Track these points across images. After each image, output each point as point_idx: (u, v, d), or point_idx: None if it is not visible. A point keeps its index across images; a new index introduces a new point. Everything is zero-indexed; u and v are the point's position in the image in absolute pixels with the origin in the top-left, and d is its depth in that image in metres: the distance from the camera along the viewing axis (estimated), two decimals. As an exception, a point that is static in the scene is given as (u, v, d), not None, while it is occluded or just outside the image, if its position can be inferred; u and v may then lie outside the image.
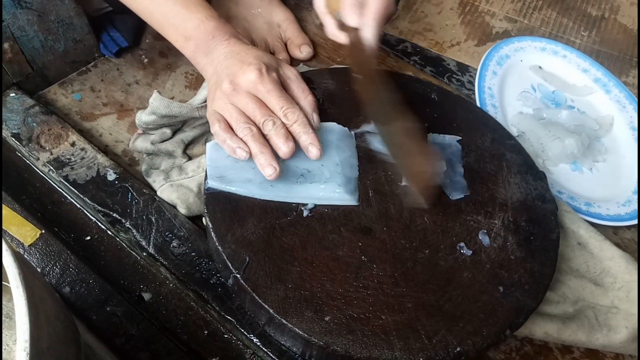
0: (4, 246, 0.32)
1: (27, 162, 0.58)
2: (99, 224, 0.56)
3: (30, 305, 0.30)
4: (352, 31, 0.53)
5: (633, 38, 0.80)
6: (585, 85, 0.71)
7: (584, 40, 0.80)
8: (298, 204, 0.47)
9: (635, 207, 0.60)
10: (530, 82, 0.71)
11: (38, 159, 0.55)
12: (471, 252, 0.47)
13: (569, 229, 0.54)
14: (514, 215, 0.50)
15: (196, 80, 0.68)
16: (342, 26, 0.54)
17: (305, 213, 0.47)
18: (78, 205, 0.57)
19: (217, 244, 0.44)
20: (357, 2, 0.51)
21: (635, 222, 0.59)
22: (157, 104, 0.55)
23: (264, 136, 0.48)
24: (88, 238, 0.54)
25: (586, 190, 0.60)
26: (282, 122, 0.48)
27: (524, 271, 0.46)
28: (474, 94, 0.68)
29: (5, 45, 0.56)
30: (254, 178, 0.47)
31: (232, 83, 0.49)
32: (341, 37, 0.55)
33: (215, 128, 0.48)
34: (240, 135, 0.47)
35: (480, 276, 0.45)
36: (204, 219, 0.51)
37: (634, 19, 0.83)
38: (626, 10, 0.84)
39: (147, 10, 0.54)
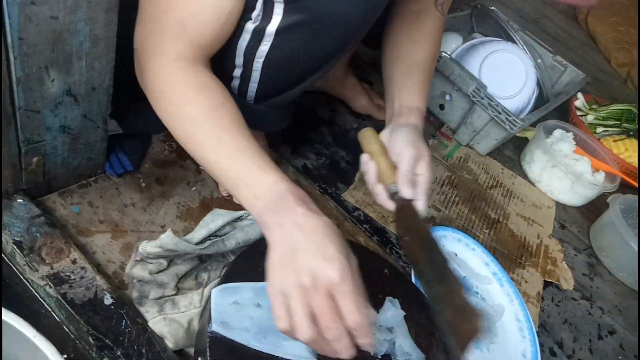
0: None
1: (18, 270, 0.60)
2: (78, 342, 0.58)
3: None
4: (401, 201, 0.67)
5: (518, 242, 1.07)
6: (486, 276, 0.92)
7: (485, 237, 1.04)
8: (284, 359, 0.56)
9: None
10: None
11: (37, 270, 0.57)
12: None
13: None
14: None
15: (187, 212, 0.77)
16: (392, 196, 0.68)
17: (288, 369, 0.55)
18: (57, 320, 0.58)
19: (215, 389, 0.50)
20: (410, 179, 0.67)
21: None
22: (168, 241, 0.62)
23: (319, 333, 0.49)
24: (65, 357, 0.56)
25: (485, 368, 0.77)
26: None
27: None
28: (409, 266, 0.85)
29: (34, 159, 0.61)
30: (250, 328, 0.56)
31: (314, 279, 0.48)
32: (390, 205, 0.68)
33: (282, 325, 0.50)
34: (298, 334, 0.49)
35: None
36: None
37: (518, 227, 1.10)
38: (514, 219, 1.12)
39: (220, 166, 0.55)
